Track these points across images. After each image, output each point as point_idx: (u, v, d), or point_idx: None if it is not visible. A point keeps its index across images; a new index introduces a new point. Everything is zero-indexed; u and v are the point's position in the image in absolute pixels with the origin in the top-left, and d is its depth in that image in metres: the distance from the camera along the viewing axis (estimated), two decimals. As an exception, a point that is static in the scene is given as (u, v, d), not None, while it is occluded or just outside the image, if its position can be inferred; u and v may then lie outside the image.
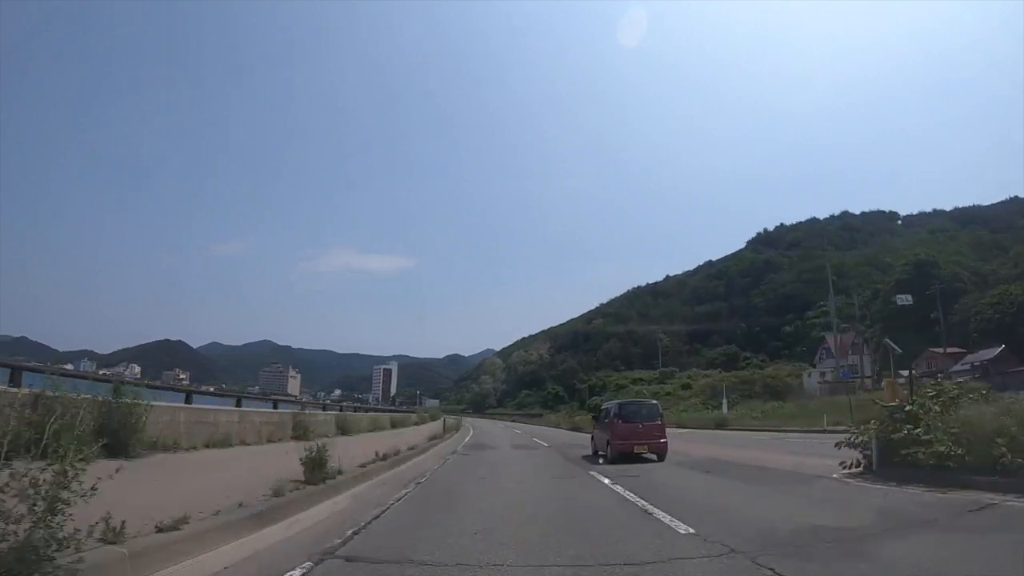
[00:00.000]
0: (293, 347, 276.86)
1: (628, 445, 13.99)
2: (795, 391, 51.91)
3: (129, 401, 8.57)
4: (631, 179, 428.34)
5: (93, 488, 3.25)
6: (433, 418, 38.37)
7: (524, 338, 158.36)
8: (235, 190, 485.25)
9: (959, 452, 7.79)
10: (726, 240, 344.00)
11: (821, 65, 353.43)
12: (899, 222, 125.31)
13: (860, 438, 9.57)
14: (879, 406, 9.94)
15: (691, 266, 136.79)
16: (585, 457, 16.01)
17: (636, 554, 4.61)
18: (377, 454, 11.66)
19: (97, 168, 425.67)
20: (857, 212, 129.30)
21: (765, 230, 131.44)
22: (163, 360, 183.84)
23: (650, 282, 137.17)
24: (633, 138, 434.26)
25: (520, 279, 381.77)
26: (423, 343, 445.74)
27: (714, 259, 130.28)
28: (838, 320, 51.53)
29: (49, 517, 3.05)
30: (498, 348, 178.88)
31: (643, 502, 7.26)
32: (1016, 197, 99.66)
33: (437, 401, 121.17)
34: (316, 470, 7.65)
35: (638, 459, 13.79)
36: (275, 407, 19.12)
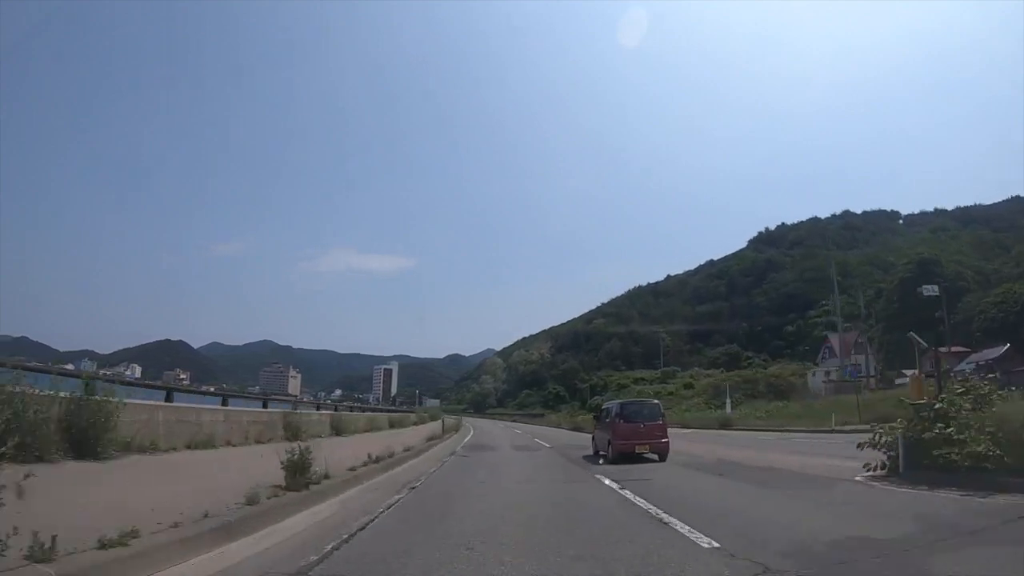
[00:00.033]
0: (294, 347, 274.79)
1: (630, 445, 13.80)
2: (799, 391, 51.46)
3: (99, 398, 7.93)
4: (632, 179, 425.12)
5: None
6: (433, 418, 37.69)
7: (525, 338, 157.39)
8: (235, 190, 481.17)
9: (997, 453, 7.19)
10: (727, 239, 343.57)
11: (821, 65, 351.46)
12: (900, 221, 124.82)
13: (885, 438, 8.92)
14: (906, 403, 9.31)
15: (692, 265, 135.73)
16: (586, 457, 15.60)
17: None
18: (370, 456, 11.06)
19: (97, 168, 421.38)
20: (858, 211, 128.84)
21: (766, 229, 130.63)
22: (164, 360, 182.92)
23: (651, 282, 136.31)
24: (633, 138, 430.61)
25: (520, 279, 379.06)
26: (424, 343, 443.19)
27: (715, 258, 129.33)
28: (841, 319, 51.08)
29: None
30: (499, 348, 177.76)
31: (656, 509, 6.65)
32: (1017, 196, 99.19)
33: (438, 401, 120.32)
34: (298, 474, 6.98)
35: (640, 459, 13.60)
36: (265, 406, 18.38)
